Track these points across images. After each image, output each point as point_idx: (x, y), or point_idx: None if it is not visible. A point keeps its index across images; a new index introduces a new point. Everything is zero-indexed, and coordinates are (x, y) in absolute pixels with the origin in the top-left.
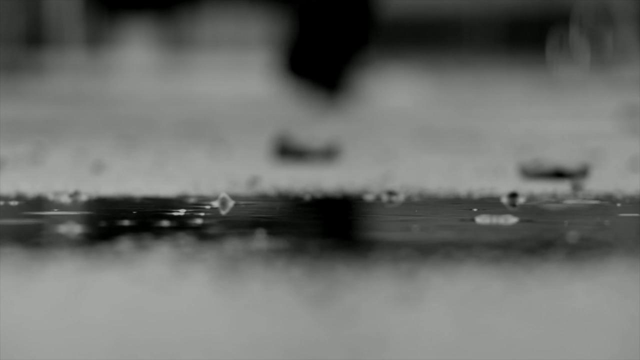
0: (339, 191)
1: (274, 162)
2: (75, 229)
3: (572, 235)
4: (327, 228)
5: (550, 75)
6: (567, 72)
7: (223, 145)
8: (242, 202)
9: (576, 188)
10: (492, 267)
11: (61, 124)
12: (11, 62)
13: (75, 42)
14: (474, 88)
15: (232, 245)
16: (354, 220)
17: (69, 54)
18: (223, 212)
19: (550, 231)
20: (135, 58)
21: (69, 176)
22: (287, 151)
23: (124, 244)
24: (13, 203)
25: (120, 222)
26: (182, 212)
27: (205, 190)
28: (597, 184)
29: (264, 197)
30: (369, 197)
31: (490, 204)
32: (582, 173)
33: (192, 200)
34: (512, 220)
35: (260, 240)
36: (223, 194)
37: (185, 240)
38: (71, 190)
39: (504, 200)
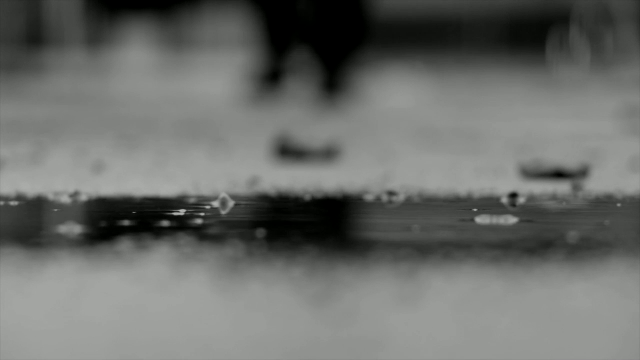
0: (339, 191)
1: (274, 162)
2: (75, 229)
3: (572, 235)
4: (327, 228)
5: (550, 75)
6: (567, 72)
7: (223, 145)
8: (242, 202)
9: (576, 188)
10: (492, 267)
11: (61, 124)
12: (11, 62)
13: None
14: (474, 88)
15: (232, 245)
16: (354, 220)
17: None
18: (223, 212)
19: (550, 231)
20: (135, 58)
21: (69, 176)
22: (287, 151)
23: (124, 244)
24: (13, 203)
25: (120, 222)
26: (182, 212)
27: (205, 190)
28: (597, 184)
29: (264, 197)
30: (369, 197)
31: (490, 204)
32: (582, 173)
33: (192, 200)
34: (512, 220)
35: (260, 240)
36: (223, 194)
37: (185, 240)
38: (71, 190)
39: (504, 200)
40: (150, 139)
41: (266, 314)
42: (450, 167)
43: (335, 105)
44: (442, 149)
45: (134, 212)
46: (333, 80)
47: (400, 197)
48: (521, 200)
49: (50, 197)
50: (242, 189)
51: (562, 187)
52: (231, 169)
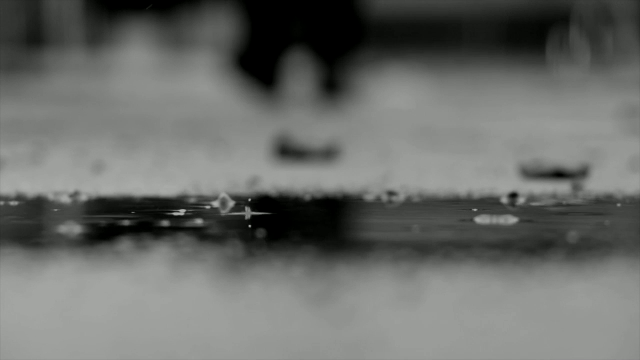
0: (339, 191)
1: (274, 162)
2: (75, 229)
3: (572, 235)
4: (327, 228)
5: (550, 75)
6: (567, 72)
7: (223, 145)
8: (242, 202)
9: (576, 188)
10: (492, 267)
11: (61, 124)
12: (11, 62)
13: (75, 42)
14: (474, 88)
15: (232, 245)
16: (354, 220)
17: (69, 54)
18: (223, 212)
19: (550, 231)
20: (135, 58)
21: (69, 176)
22: (287, 151)
23: (124, 244)
24: (13, 203)
25: (120, 222)
26: (182, 212)
27: (205, 190)
28: (597, 184)
29: (264, 197)
30: (369, 197)
31: (490, 204)
32: (582, 173)
33: (192, 200)
34: (512, 220)
35: (260, 240)
36: (223, 194)
37: (185, 240)
38: (71, 190)
39: (504, 200)
40: (150, 139)
41: (266, 314)
42: (450, 167)
43: (336, 104)
44: (442, 149)
45: (133, 212)
46: (333, 80)
47: (400, 197)
48: (521, 200)
49: (50, 197)
50: (242, 189)
51: (562, 187)
52: (231, 169)
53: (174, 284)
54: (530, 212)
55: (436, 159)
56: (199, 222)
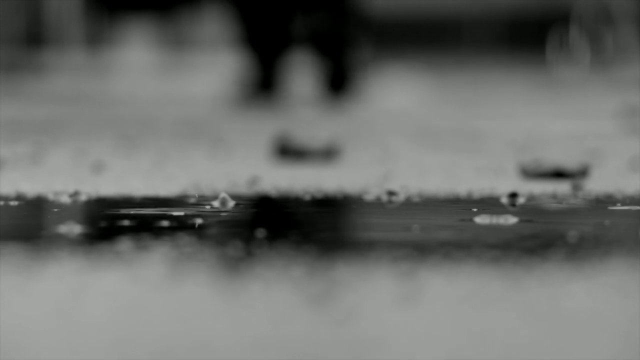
0: (339, 191)
1: (274, 162)
2: (75, 229)
3: (572, 235)
4: (327, 228)
5: (550, 75)
6: (567, 72)
7: (223, 145)
8: (242, 202)
9: (576, 188)
10: (492, 267)
11: (61, 124)
12: (11, 62)
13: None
14: (474, 88)
15: (232, 245)
16: (354, 220)
17: (69, 54)
18: (223, 212)
19: (550, 231)
20: (135, 58)
21: (69, 176)
22: (287, 151)
23: (124, 244)
24: (13, 203)
25: (120, 222)
26: (182, 212)
27: (205, 190)
28: (597, 184)
29: (264, 197)
30: (369, 197)
31: (490, 204)
32: (582, 173)
33: (192, 200)
34: (512, 220)
35: (260, 240)
36: (223, 194)
37: (185, 240)
38: (71, 190)
39: (504, 200)
40: (150, 139)
41: (266, 314)
42: (450, 167)
43: (340, 100)
44: (442, 149)
45: (132, 212)
46: (336, 77)
47: (400, 197)
48: (521, 200)
49: (50, 197)
50: (242, 189)
51: (562, 187)
52: (231, 169)
53: (174, 284)
54: (530, 212)
55: (436, 159)
56: (199, 222)
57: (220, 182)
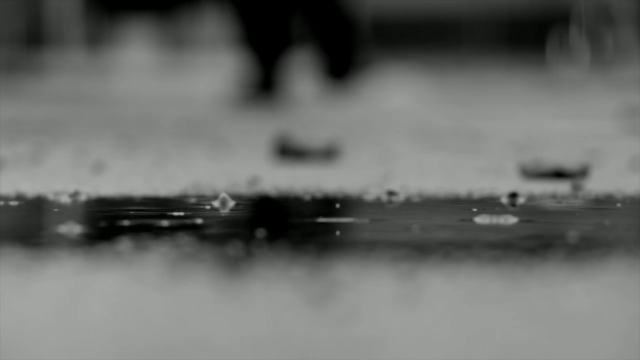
0: (339, 191)
1: (274, 162)
2: (75, 229)
3: (572, 235)
4: (327, 228)
5: (550, 75)
6: (567, 72)
7: (223, 145)
8: (242, 202)
9: (576, 188)
10: (492, 267)
11: (61, 124)
12: (11, 62)
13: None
14: (474, 88)
15: (232, 245)
16: (354, 220)
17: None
18: (223, 212)
19: (550, 231)
20: (135, 58)
21: (69, 176)
22: (287, 151)
23: (124, 244)
24: (13, 203)
25: (120, 222)
26: (182, 212)
27: (205, 190)
28: (597, 184)
29: (264, 197)
30: (369, 197)
31: (490, 204)
32: (582, 173)
33: (192, 200)
34: (512, 220)
35: (260, 240)
36: (223, 194)
37: (185, 240)
38: (71, 190)
39: (504, 200)
40: (150, 139)
41: (266, 314)
42: (450, 167)
43: (341, 89)
44: (442, 149)
45: (132, 212)
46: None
47: (400, 197)
48: (521, 200)
49: (50, 197)
50: (242, 189)
51: (562, 187)
52: (231, 169)
53: (174, 284)
54: (530, 212)
55: (436, 159)
56: (199, 222)
57: (220, 182)
